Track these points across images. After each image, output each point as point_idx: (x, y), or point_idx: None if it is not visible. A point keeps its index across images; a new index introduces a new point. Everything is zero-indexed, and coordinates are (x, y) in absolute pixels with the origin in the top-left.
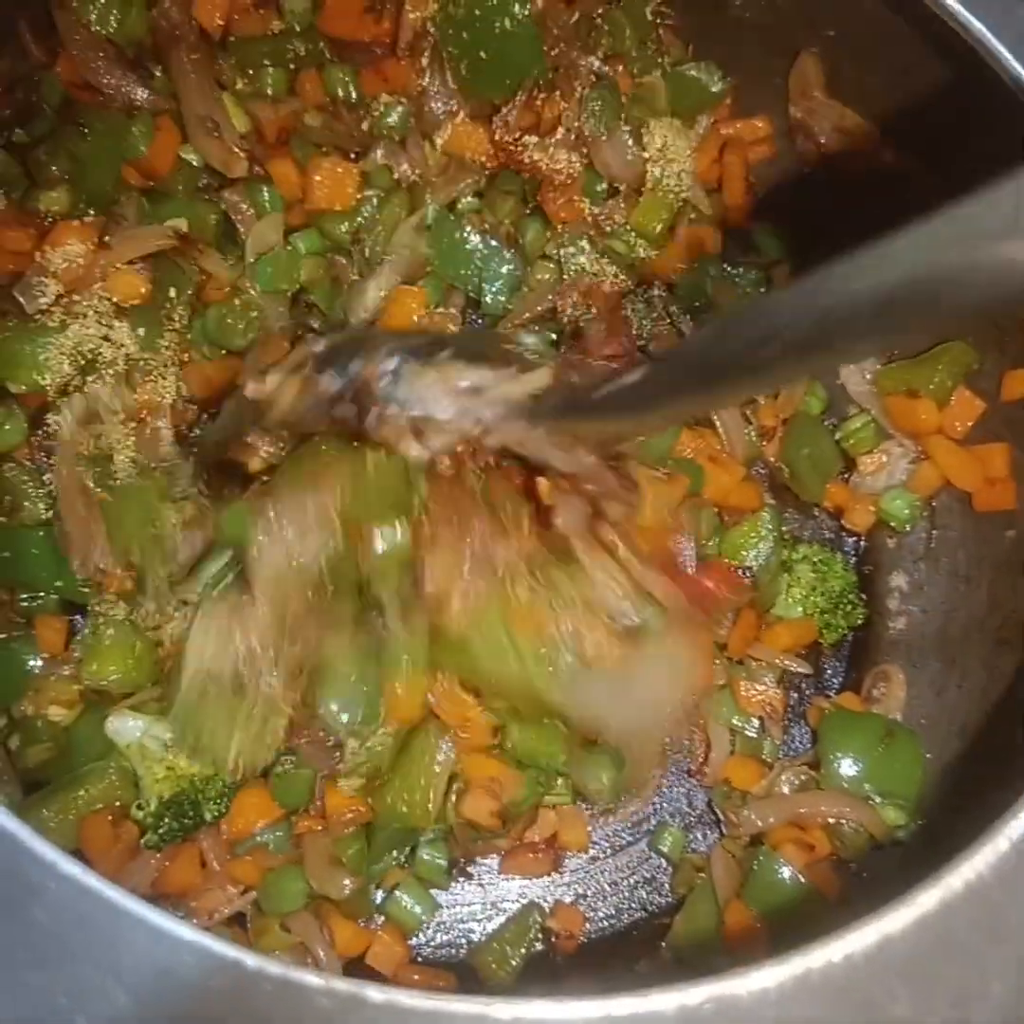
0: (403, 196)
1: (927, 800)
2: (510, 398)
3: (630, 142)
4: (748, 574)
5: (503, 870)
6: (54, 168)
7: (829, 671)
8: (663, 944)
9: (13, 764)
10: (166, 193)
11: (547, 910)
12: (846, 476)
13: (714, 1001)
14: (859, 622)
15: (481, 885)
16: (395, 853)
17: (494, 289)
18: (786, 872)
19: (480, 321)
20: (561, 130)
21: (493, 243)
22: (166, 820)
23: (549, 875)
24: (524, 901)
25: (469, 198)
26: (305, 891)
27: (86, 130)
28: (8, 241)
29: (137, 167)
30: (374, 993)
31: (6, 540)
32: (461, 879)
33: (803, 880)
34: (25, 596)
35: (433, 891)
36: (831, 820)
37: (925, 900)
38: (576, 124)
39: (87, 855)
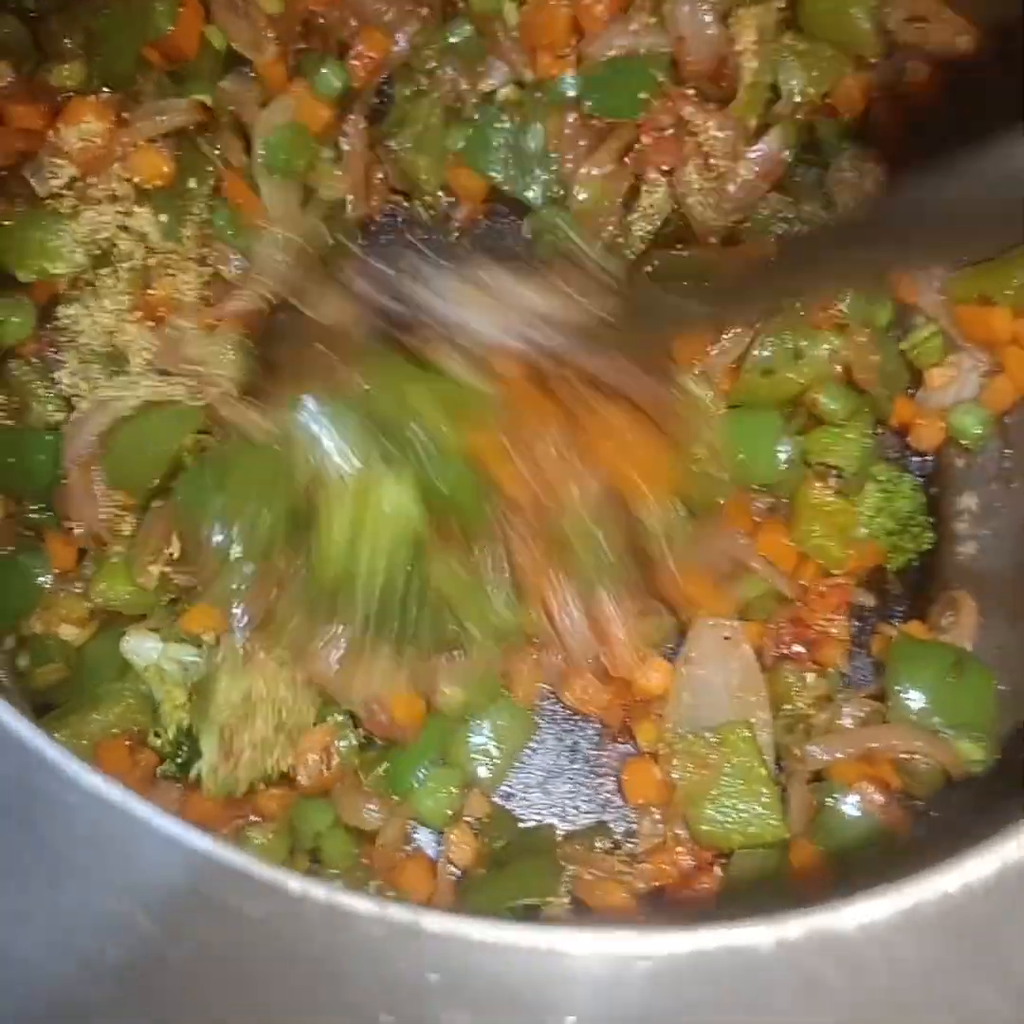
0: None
1: (1000, 733)
2: (567, 320)
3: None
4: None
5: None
6: (68, 41)
7: (893, 599)
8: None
9: (22, 685)
10: (188, 75)
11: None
12: (912, 391)
13: (816, 935)
14: (927, 546)
15: None
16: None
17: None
18: (856, 810)
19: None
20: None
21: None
22: (185, 749)
23: None
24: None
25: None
26: (333, 821)
27: (106, 8)
28: (17, 117)
29: (158, 47)
30: (432, 921)
31: (12, 445)
32: None
33: (875, 818)
34: (34, 507)
35: None
36: (903, 755)
37: None
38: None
39: None
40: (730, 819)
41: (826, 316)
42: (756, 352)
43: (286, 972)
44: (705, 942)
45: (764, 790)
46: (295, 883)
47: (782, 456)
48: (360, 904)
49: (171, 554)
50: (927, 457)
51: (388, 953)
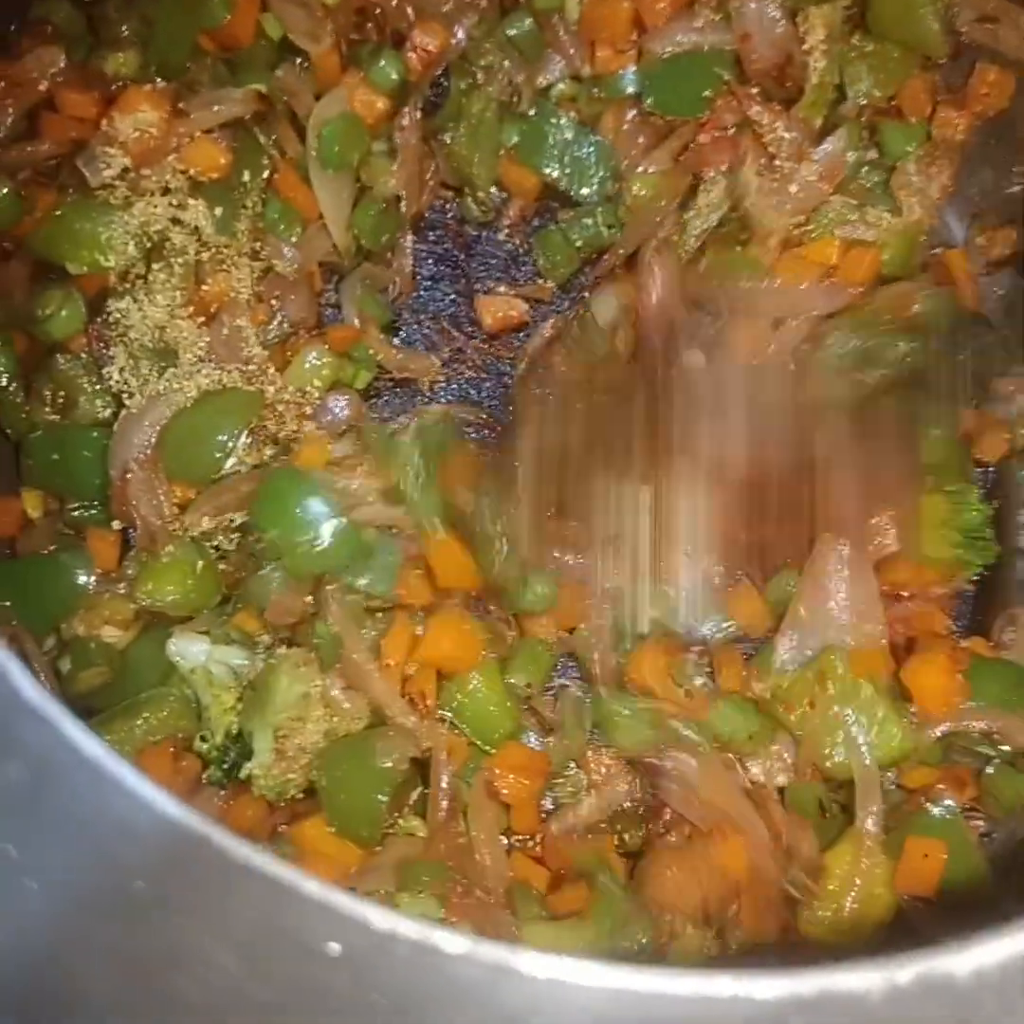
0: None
1: None
2: None
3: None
4: None
5: None
6: (123, 28)
7: (953, 614)
8: None
9: (64, 690)
10: (242, 64)
11: None
12: (977, 402)
13: (924, 981)
14: (993, 560)
15: None
16: None
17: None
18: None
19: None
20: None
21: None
22: (232, 754)
23: None
24: None
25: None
26: None
27: None
28: (70, 105)
29: (213, 35)
30: (526, 962)
31: (57, 441)
32: None
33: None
34: (76, 505)
35: None
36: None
37: None
38: None
39: None
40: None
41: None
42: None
43: (368, 1013)
44: (803, 987)
45: (877, 709)
46: (379, 918)
47: None
48: (449, 941)
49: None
50: (989, 468)
51: (480, 995)
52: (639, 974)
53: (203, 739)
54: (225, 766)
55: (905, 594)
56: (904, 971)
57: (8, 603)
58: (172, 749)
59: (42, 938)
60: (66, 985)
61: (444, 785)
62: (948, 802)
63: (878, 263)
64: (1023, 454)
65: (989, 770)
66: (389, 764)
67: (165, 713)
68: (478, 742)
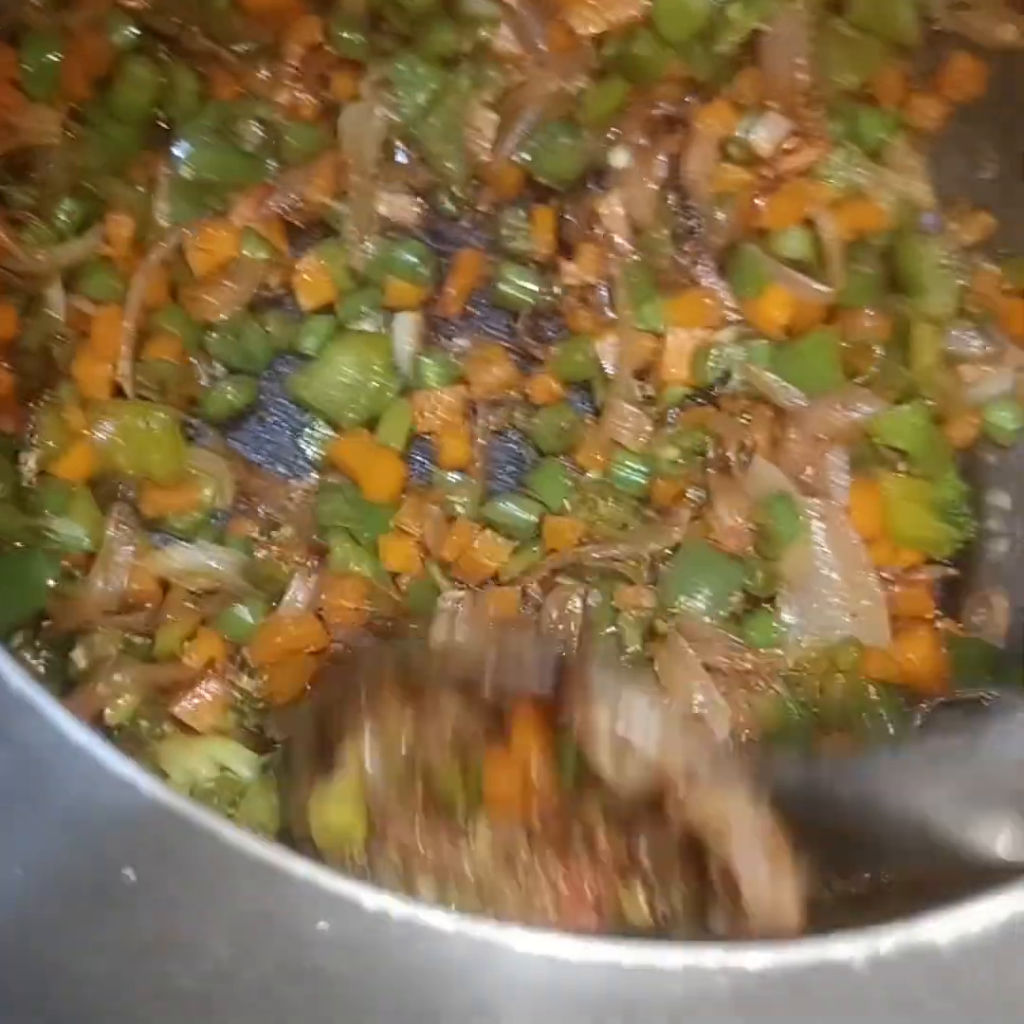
0: None
1: None
2: None
3: None
4: None
5: None
6: None
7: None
8: None
9: None
10: None
11: None
12: None
13: (907, 950)
14: (972, 535)
15: None
16: None
17: None
18: None
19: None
20: None
21: None
22: None
23: None
24: None
25: None
26: None
27: None
28: None
29: None
30: (519, 939)
31: None
32: None
33: None
34: None
35: None
36: None
37: None
38: None
39: None
40: None
41: None
42: None
43: (359, 992)
44: (793, 958)
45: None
46: (369, 898)
47: None
48: (440, 919)
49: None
50: (959, 453)
51: (472, 973)
52: (628, 948)
53: None
54: None
55: (890, 578)
56: (886, 940)
57: None
58: None
59: (30, 927)
60: (55, 974)
61: None
62: None
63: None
64: (992, 438)
65: None
66: None
67: None
68: None
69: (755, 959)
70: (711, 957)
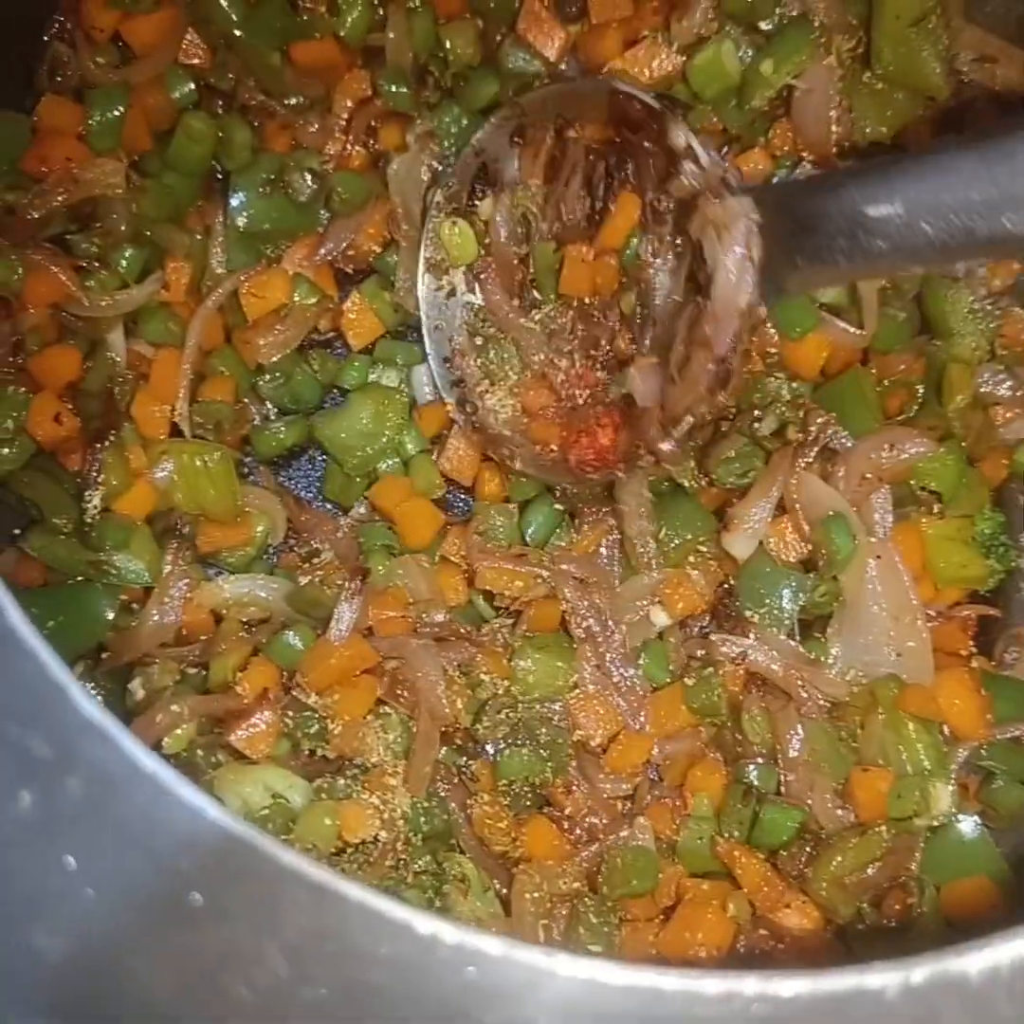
0: None
1: None
2: None
3: None
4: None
5: None
6: None
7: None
8: None
9: None
10: None
11: None
12: None
13: (938, 980)
14: (1014, 565)
15: None
16: None
17: None
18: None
19: None
20: None
21: None
22: None
23: None
24: None
25: None
26: None
27: None
28: None
29: None
30: (564, 964)
31: None
32: None
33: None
34: None
35: None
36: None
37: None
38: None
39: None
40: None
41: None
42: None
43: (410, 1012)
44: (825, 986)
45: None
46: (421, 922)
47: None
48: (489, 944)
49: None
50: (991, 493)
51: (518, 995)
52: (668, 975)
53: None
54: None
55: (932, 614)
56: (919, 970)
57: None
58: None
59: (102, 944)
60: (125, 989)
61: None
62: (974, 818)
63: None
64: (1022, 478)
65: (999, 783)
66: None
67: None
68: None
69: (790, 987)
70: (748, 984)
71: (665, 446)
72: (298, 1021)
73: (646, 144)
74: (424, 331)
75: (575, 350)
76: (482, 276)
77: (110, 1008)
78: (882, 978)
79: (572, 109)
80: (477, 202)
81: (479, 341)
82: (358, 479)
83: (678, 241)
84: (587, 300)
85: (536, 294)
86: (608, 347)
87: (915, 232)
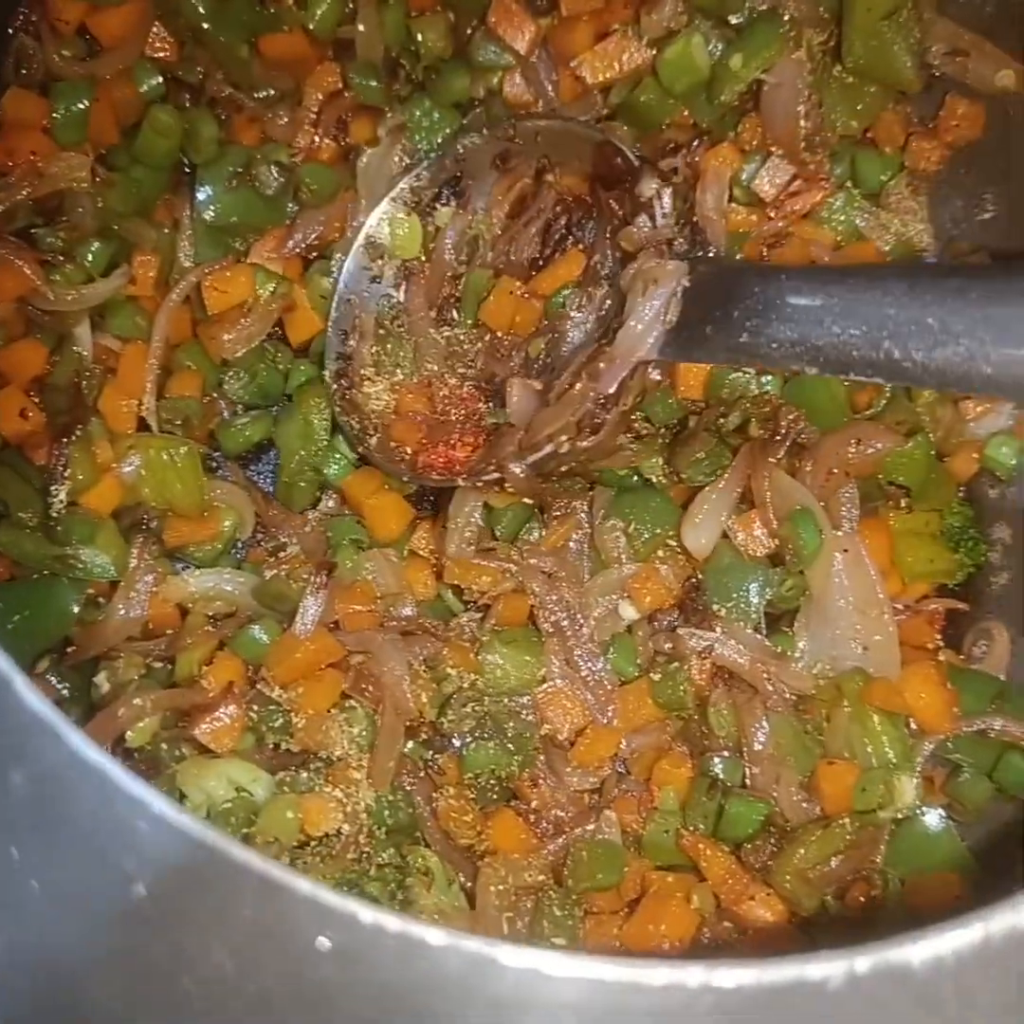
0: None
1: None
2: None
3: None
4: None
5: None
6: None
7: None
8: None
9: None
10: None
11: None
12: None
13: (882, 970)
14: (983, 558)
15: None
16: None
17: None
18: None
19: None
20: None
21: None
22: None
23: None
24: None
25: None
26: None
27: None
28: None
29: None
30: (508, 954)
31: None
32: None
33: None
34: None
35: None
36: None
37: None
38: None
39: None
40: None
41: None
42: None
43: (355, 1003)
44: (772, 976)
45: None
46: (366, 913)
47: None
48: (433, 935)
49: None
50: (960, 488)
51: (462, 985)
52: (613, 965)
53: None
54: None
55: (899, 608)
56: (862, 960)
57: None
58: None
59: (46, 940)
60: (70, 986)
61: None
62: (939, 811)
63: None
64: (992, 473)
65: (965, 776)
66: None
67: None
68: None
69: (733, 977)
70: (692, 974)
71: (516, 467)
72: (245, 1015)
73: (612, 202)
74: (334, 298)
75: (468, 376)
76: (412, 277)
77: (54, 1008)
78: (825, 968)
79: (559, 152)
80: (439, 206)
81: (382, 332)
82: (303, 484)
83: (607, 302)
84: (500, 334)
85: (455, 314)
86: (499, 383)
87: (822, 329)
